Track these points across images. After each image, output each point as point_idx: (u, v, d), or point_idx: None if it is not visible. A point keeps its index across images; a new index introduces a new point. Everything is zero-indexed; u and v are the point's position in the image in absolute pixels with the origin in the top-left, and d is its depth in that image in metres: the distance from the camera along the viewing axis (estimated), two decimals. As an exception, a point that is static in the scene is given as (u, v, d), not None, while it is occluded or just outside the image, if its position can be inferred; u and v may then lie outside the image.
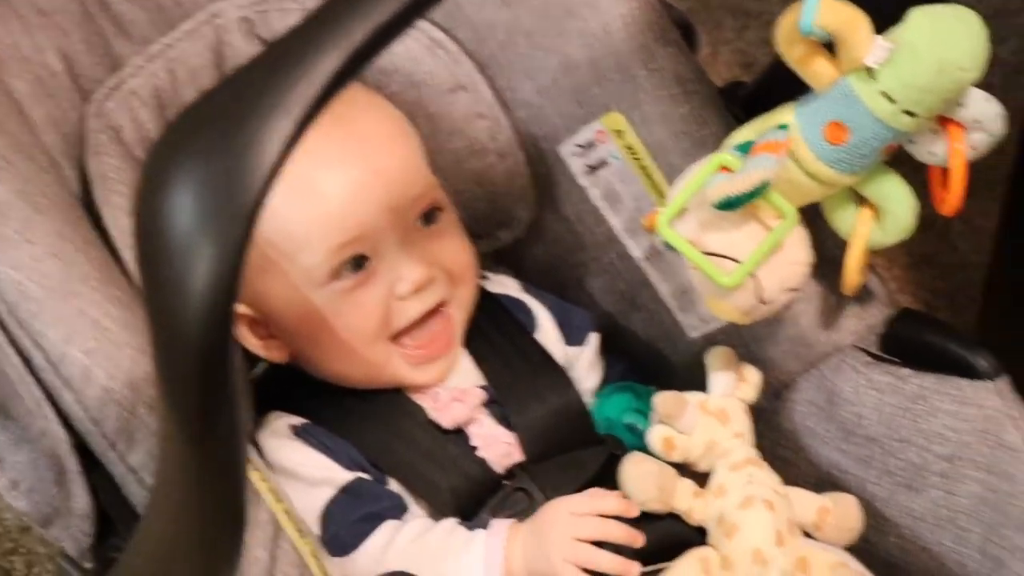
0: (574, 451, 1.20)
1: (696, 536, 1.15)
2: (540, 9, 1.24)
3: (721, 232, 1.11)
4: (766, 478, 1.17)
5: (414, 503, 1.18)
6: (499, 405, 1.21)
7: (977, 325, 1.86)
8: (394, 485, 1.18)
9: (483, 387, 1.22)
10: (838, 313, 1.26)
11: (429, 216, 1.20)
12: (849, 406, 1.23)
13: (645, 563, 1.12)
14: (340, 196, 1.14)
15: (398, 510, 1.16)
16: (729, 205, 1.07)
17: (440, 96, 1.26)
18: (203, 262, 0.65)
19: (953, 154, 1.11)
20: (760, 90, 1.27)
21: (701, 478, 1.18)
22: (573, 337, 1.30)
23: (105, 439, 1.02)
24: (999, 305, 1.79)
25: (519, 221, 1.32)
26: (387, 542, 1.13)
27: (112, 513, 1.06)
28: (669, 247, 1.12)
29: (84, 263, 1.05)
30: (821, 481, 1.24)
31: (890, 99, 1.07)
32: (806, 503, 1.19)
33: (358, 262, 1.16)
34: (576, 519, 1.11)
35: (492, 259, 1.36)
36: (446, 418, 1.19)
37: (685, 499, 1.15)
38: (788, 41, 1.09)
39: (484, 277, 1.30)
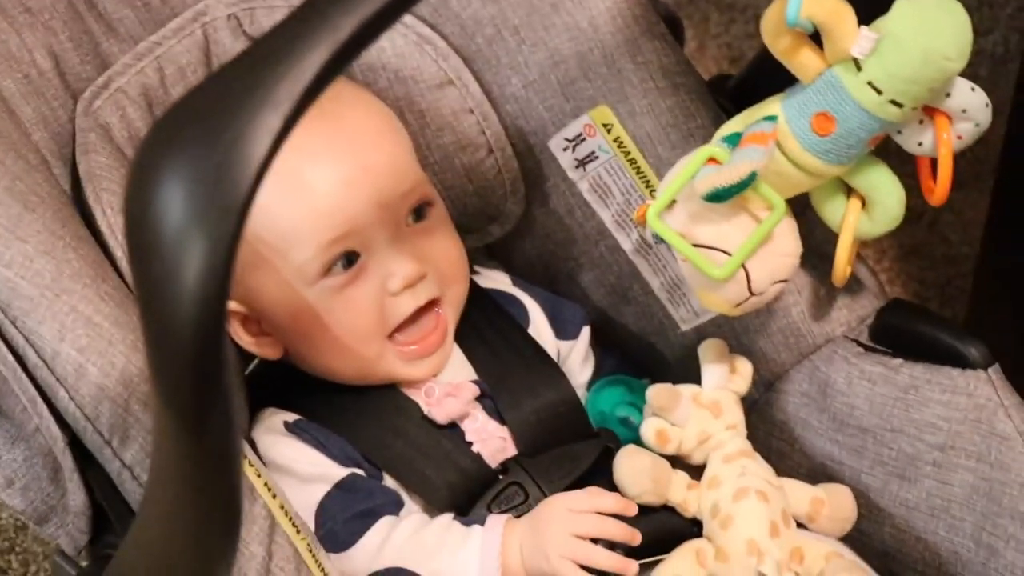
0: (568, 445, 1.20)
1: (691, 528, 1.16)
2: (526, 4, 1.24)
3: (711, 224, 1.11)
4: (759, 470, 1.17)
5: (409, 498, 1.18)
6: (492, 400, 1.21)
7: (967, 316, 1.87)
8: (389, 481, 1.18)
9: (476, 382, 1.22)
10: (829, 304, 1.26)
11: (419, 212, 1.20)
12: (841, 397, 1.23)
13: (641, 556, 1.12)
14: (329, 192, 1.14)
15: (393, 506, 1.16)
16: (718, 197, 1.08)
17: (428, 92, 1.27)
18: (194, 257, 0.65)
19: (940, 144, 1.11)
20: (747, 82, 1.27)
21: (694, 471, 1.18)
22: (565, 331, 1.30)
23: (99, 436, 1.02)
24: (988, 295, 1.79)
25: (509, 215, 1.32)
26: (383, 538, 1.13)
27: (107, 510, 1.06)
28: (659, 240, 1.13)
29: (76, 261, 1.05)
30: (814, 472, 1.25)
31: (876, 89, 1.07)
32: (800, 494, 1.19)
33: (349, 259, 1.16)
34: (574, 516, 1.11)
35: (483, 254, 1.37)
36: (440, 413, 1.19)
37: (679, 491, 1.15)
38: (774, 33, 1.09)
39: (475, 272, 1.30)
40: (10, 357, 1.03)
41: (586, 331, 1.31)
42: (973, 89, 1.10)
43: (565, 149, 1.27)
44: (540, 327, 1.29)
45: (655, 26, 1.24)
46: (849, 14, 1.06)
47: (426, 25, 1.26)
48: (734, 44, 2.13)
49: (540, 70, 1.25)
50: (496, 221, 1.33)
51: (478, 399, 1.21)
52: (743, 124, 1.14)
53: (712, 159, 1.10)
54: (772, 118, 1.11)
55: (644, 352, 1.33)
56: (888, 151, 1.15)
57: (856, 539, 1.20)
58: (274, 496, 1.08)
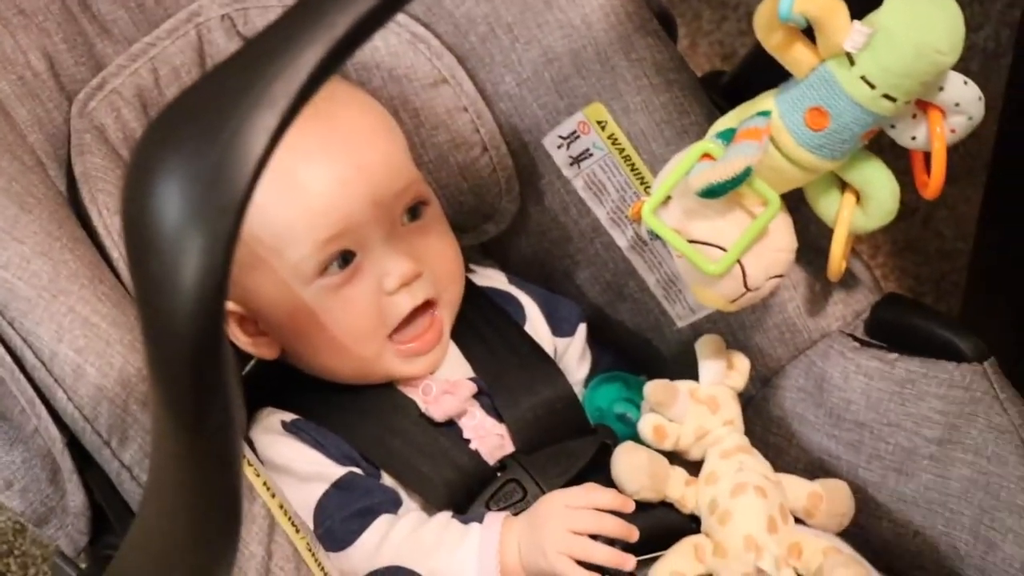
0: (565, 441, 1.20)
1: (689, 524, 1.16)
2: (520, 2, 1.24)
3: (706, 220, 1.11)
4: (757, 465, 1.17)
5: (407, 496, 1.18)
6: (490, 397, 1.22)
7: (962, 310, 1.87)
8: (387, 479, 1.18)
9: (473, 379, 1.22)
10: (824, 299, 1.27)
11: (414, 211, 1.20)
12: (838, 392, 1.24)
13: (639, 552, 1.12)
14: (323, 191, 1.15)
15: (392, 504, 1.16)
16: (713, 193, 1.08)
17: (422, 90, 1.27)
18: (192, 255, 0.65)
19: (934, 137, 1.11)
20: (740, 78, 1.28)
21: (691, 467, 1.18)
22: (561, 328, 1.30)
23: (98, 436, 1.02)
24: (983, 290, 1.79)
25: (504, 213, 1.32)
26: (382, 537, 1.13)
27: (107, 510, 1.06)
28: (655, 236, 1.13)
29: (73, 261, 1.05)
30: (812, 467, 1.25)
31: (869, 84, 1.07)
32: (797, 489, 1.19)
33: (345, 258, 1.16)
34: (572, 512, 1.11)
35: (479, 252, 1.37)
36: (437, 411, 1.19)
37: (677, 487, 1.15)
38: (767, 28, 1.09)
39: (471, 270, 1.30)
40: (8, 358, 1.03)
41: (582, 328, 1.31)
42: (966, 83, 1.11)
43: (559, 147, 1.27)
44: (536, 324, 1.29)
45: (648, 23, 1.24)
46: (842, 9, 1.07)
47: (420, 24, 1.26)
48: (726, 41, 2.14)
49: (534, 68, 1.25)
50: (491, 219, 1.33)
51: (475, 396, 1.21)
52: (737, 120, 1.14)
53: (706, 155, 1.10)
54: (766, 113, 1.11)
55: (640, 349, 1.33)
56: (882, 146, 1.15)
57: (854, 534, 1.20)
58: (273, 495, 1.08)
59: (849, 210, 1.17)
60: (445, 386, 1.20)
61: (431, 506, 1.17)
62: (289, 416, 1.20)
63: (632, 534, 1.12)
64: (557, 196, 1.30)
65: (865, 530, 1.21)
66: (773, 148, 1.11)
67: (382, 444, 1.18)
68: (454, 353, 1.24)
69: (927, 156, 1.13)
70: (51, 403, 1.03)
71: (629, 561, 1.11)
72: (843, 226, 1.17)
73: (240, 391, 1.19)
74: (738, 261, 1.11)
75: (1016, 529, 1.13)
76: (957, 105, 1.10)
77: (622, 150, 1.25)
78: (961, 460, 1.16)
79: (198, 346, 0.66)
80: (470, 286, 1.26)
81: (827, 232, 1.19)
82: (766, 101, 1.13)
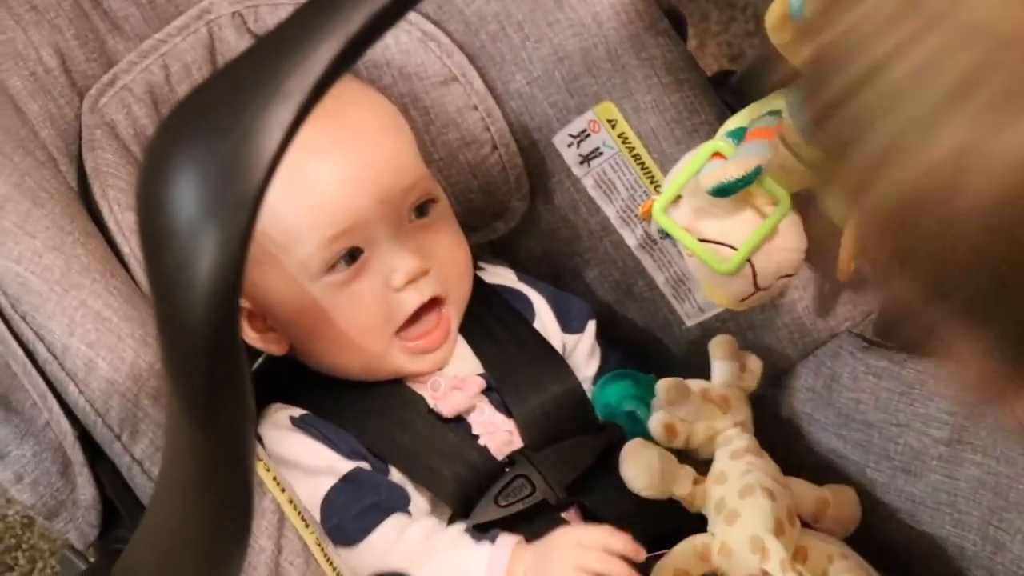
0: (574, 438, 1.20)
1: (695, 523, 1.15)
2: (530, 0, 1.24)
3: (716, 219, 1.11)
4: (766, 467, 1.17)
5: (416, 492, 1.18)
6: (499, 393, 1.22)
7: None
8: (395, 475, 1.18)
9: (482, 375, 1.22)
10: (834, 299, 1.26)
11: (422, 208, 1.20)
12: (847, 392, 1.23)
13: (648, 551, 1.12)
14: (331, 188, 1.15)
15: (401, 501, 1.16)
16: (723, 191, 1.08)
17: (433, 88, 1.27)
18: (207, 249, 0.65)
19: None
20: (751, 78, 1.27)
21: (699, 466, 1.18)
22: (571, 325, 1.30)
23: (109, 430, 1.02)
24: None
25: (513, 212, 1.32)
26: (393, 539, 1.13)
27: (117, 504, 1.07)
28: (665, 235, 1.13)
29: (84, 256, 1.05)
30: (820, 467, 1.24)
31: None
32: (805, 494, 1.19)
33: (352, 254, 1.16)
34: (583, 550, 1.10)
35: (488, 250, 1.37)
36: (446, 406, 1.19)
37: (685, 486, 1.15)
38: (777, 27, 1.09)
39: (481, 268, 1.30)
40: (20, 352, 1.03)
41: (591, 325, 1.31)
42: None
43: (570, 145, 1.27)
44: (546, 321, 1.29)
45: (659, 22, 1.24)
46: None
47: (430, 22, 1.26)
48: (734, 42, 2.14)
49: (544, 66, 1.25)
50: (501, 218, 1.33)
51: (484, 392, 1.21)
52: (747, 119, 1.14)
53: (717, 154, 1.10)
54: (776, 113, 1.11)
55: (649, 348, 1.33)
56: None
57: (862, 533, 1.20)
58: (283, 490, 1.08)
59: (859, 210, 1.17)
60: (454, 382, 1.20)
61: (440, 501, 1.17)
62: (298, 412, 1.20)
63: None
64: (567, 195, 1.30)
65: (873, 529, 1.21)
66: (783, 147, 1.11)
67: (391, 440, 1.18)
68: (463, 349, 1.24)
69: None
70: (63, 397, 1.03)
71: None
72: (852, 226, 1.17)
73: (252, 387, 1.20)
74: (748, 260, 1.10)
75: (1024, 530, 1.13)
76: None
77: (632, 149, 1.25)
78: (970, 460, 1.16)
79: (213, 340, 0.66)
80: (479, 283, 1.26)
81: (836, 231, 1.18)
82: (776, 101, 1.13)
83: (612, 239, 1.29)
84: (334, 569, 1.09)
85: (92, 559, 1.13)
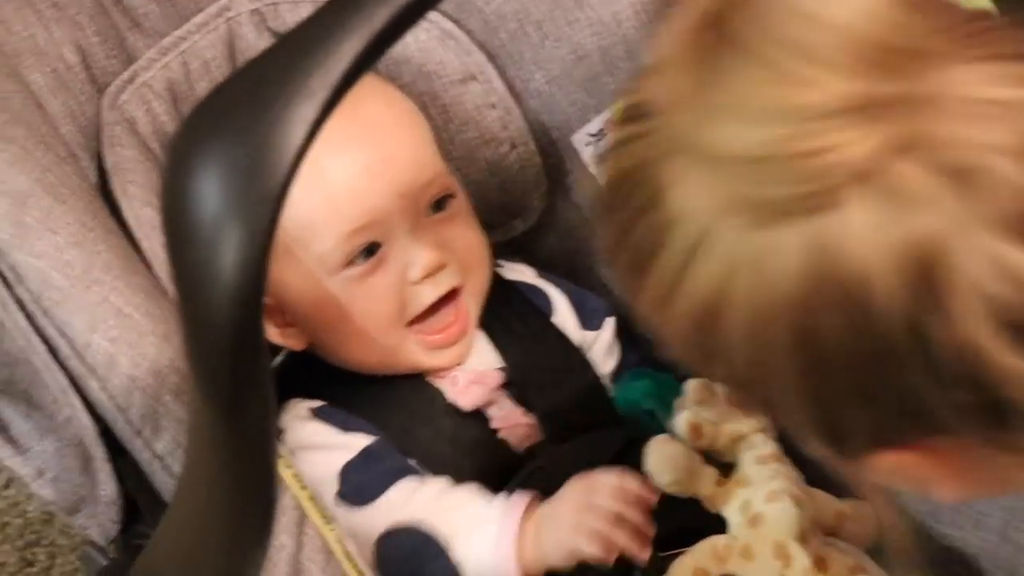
0: (594, 432, 1.20)
1: (713, 523, 1.15)
2: (550, -1, 1.24)
3: None
4: (791, 474, 1.16)
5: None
6: (518, 387, 1.21)
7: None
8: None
9: (502, 369, 1.22)
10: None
11: (440, 203, 1.20)
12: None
13: (663, 547, 1.12)
14: (349, 183, 1.15)
15: (418, 473, 1.16)
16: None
17: (451, 87, 1.27)
18: (231, 246, 0.65)
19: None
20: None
21: (721, 468, 1.17)
22: (590, 321, 1.30)
23: (131, 426, 1.02)
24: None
25: (532, 210, 1.32)
26: (408, 495, 1.13)
27: (138, 500, 1.07)
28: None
29: (106, 252, 1.05)
30: (839, 478, 1.24)
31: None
32: (825, 506, 1.18)
33: (370, 248, 1.16)
34: (594, 491, 1.10)
35: (506, 249, 1.37)
36: (465, 400, 1.19)
37: (708, 485, 1.15)
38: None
39: (499, 265, 1.30)
40: (42, 347, 1.03)
41: (610, 322, 1.31)
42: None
43: (588, 144, 1.27)
44: (565, 317, 1.29)
45: (678, 21, 1.24)
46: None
47: (450, 20, 1.27)
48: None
49: (563, 65, 1.25)
50: (519, 216, 1.33)
51: (503, 387, 1.21)
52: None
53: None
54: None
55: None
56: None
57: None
58: (303, 487, 1.08)
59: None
60: (473, 376, 1.20)
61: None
62: (317, 403, 1.20)
63: (649, 529, 1.11)
64: (585, 193, 1.29)
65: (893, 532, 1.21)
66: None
67: (410, 434, 1.18)
68: (482, 343, 1.24)
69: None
70: (84, 393, 1.03)
71: (644, 552, 1.10)
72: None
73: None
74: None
75: (1044, 531, 1.13)
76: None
77: (651, 148, 1.24)
78: (989, 462, 1.16)
79: (237, 336, 0.66)
80: (498, 280, 1.26)
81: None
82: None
83: (630, 238, 1.29)
84: (354, 565, 1.09)
85: (113, 555, 1.13)
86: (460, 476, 1.17)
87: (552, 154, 1.29)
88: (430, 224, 1.19)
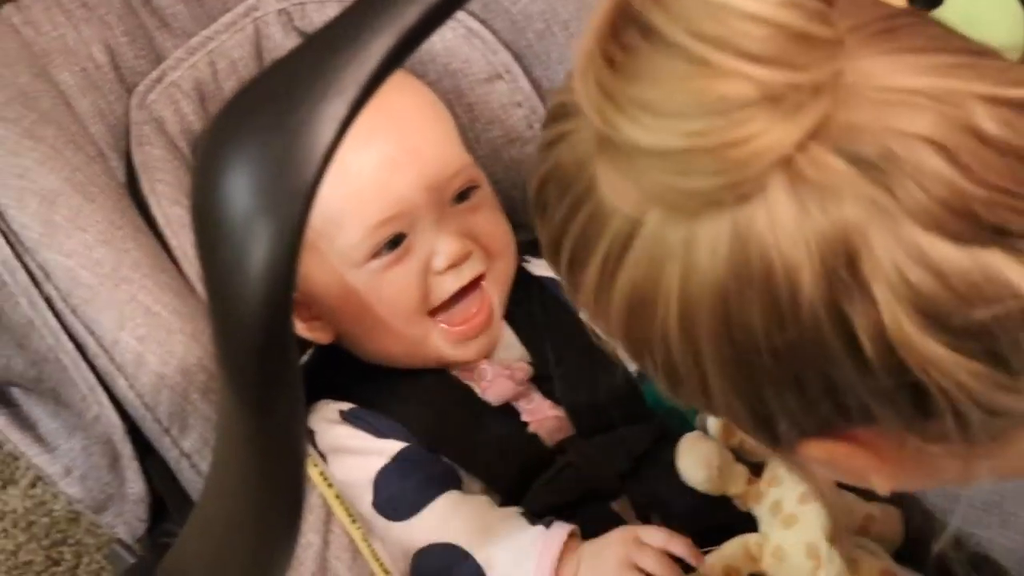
0: (625, 427, 1.19)
1: (743, 521, 1.15)
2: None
3: None
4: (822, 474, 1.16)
5: (467, 479, 1.17)
6: (548, 381, 1.21)
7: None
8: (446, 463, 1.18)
9: (531, 363, 1.22)
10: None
11: (464, 193, 1.20)
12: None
13: (694, 543, 1.11)
14: (374, 175, 1.15)
15: (454, 479, 1.15)
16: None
17: (477, 85, 1.27)
18: (261, 242, 0.65)
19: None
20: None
21: (751, 467, 1.17)
22: (616, 316, 1.29)
23: (159, 424, 1.03)
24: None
25: (557, 209, 1.32)
26: (447, 514, 1.12)
27: (165, 498, 1.07)
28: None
29: (135, 250, 1.06)
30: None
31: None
32: (854, 508, 1.18)
33: (395, 240, 1.16)
34: (640, 548, 1.09)
35: (531, 248, 1.36)
36: (494, 394, 1.19)
37: (740, 484, 1.14)
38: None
39: (527, 260, 1.30)
40: (70, 345, 1.04)
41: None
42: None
43: (613, 143, 1.27)
44: (591, 312, 1.28)
45: (703, 21, 1.24)
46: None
47: (476, 19, 1.27)
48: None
49: (589, 65, 1.25)
50: (544, 214, 1.32)
51: (533, 380, 1.21)
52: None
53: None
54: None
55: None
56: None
57: (907, 535, 1.20)
58: (330, 485, 1.09)
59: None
60: (501, 370, 1.20)
61: (491, 489, 1.16)
62: (347, 406, 1.19)
63: None
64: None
65: (919, 532, 1.20)
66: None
67: (440, 429, 1.18)
68: (509, 337, 1.23)
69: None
70: (112, 391, 1.04)
71: None
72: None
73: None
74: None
75: (1071, 531, 1.12)
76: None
77: (676, 147, 1.24)
78: (1016, 461, 1.15)
79: (267, 332, 0.66)
80: (526, 274, 1.26)
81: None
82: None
83: (655, 236, 1.29)
84: (380, 564, 1.09)
85: (140, 553, 1.14)
86: (491, 470, 1.16)
87: (577, 153, 1.29)
88: (454, 214, 1.19)
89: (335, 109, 0.67)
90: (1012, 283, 0.65)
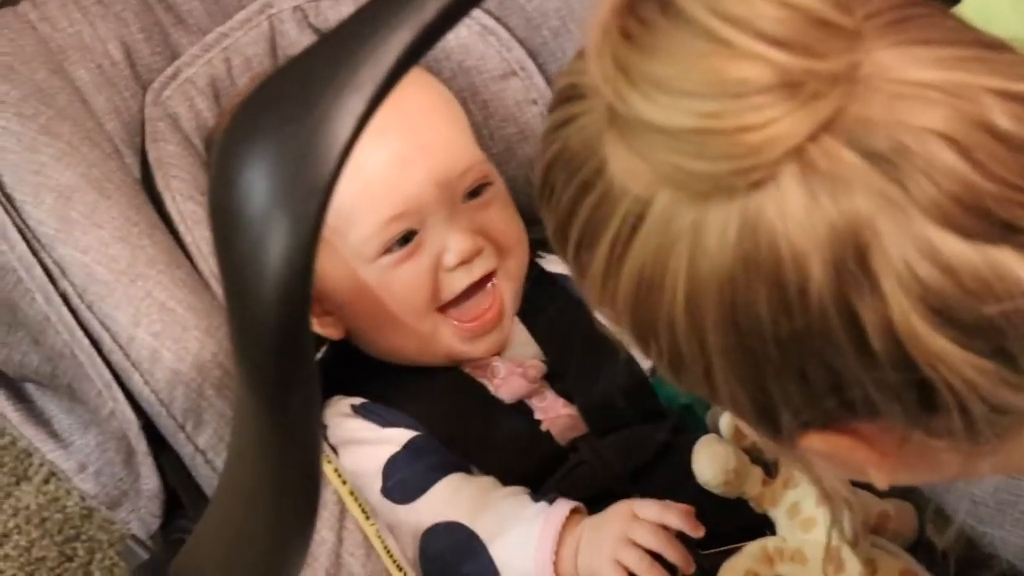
0: (638, 425, 1.19)
1: (757, 522, 1.14)
2: (592, -4, 1.24)
3: None
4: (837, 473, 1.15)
5: (479, 475, 1.17)
6: (561, 378, 1.21)
7: None
8: (457, 460, 1.18)
9: (544, 361, 1.22)
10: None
11: (477, 190, 1.20)
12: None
13: (709, 544, 1.11)
14: (385, 171, 1.15)
15: (463, 467, 1.16)
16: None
17: (492, 82, 1.27)
18: (279, 238, 0.65)
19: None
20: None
21: (765, 467, 1.17)
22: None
23: (173, 420, 1.03)
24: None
25: (571, 206, 1.31)
26: (452, 492, 1.13)
27: (180, 494, 1.07)
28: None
29: (150, 247, 1.06)
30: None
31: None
32: (869, 506, 1.17)
33: (406, 236, 1.16)
34: (637, 523, 1.09)
35: (545, 246, 1.36)
36: (507, 392, 1.19)
37: (755, 485, 1.14)
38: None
39: (541, 256, 1.29)
40: (86, 341, 1.04)
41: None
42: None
43: (628, 141, 1.26)
44: (605, 309, 1.28)
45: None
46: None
47: (491, 16, 1.27)
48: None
49: (605, 63, 1.25)
50: (558, 212, 1.32)
51: (546, 378, 1.21)
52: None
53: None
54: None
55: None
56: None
57: (922, 535, 1.19)
58: (344, 482, 1.09)
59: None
60: (514, 367, 1.20)
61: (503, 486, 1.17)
62: (359, 400, 1.19)
63: (689, 566, 1.10)
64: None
65: (935, 531, 1.20)
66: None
67: (452, 427, 1.18)
68: (523, 334, 1.23)
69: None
70: (127, 387, 1.04)
71: None
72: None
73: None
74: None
75: (1085, 532, 1.12)
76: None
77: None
78: (1031, 460, 1.15)
79: (283, 327, 0.66)
80: (540, 271, 1.26)
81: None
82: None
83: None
84: (394, 561, 1.09)
85: (154, 549, 1.14)
86: (504, 468, 1.16)
87: (592, 151, 1.28)
88: (466, 210, 1.18)
89: (353, 105, 0.67)
90: (1022, 280, 0.65)
